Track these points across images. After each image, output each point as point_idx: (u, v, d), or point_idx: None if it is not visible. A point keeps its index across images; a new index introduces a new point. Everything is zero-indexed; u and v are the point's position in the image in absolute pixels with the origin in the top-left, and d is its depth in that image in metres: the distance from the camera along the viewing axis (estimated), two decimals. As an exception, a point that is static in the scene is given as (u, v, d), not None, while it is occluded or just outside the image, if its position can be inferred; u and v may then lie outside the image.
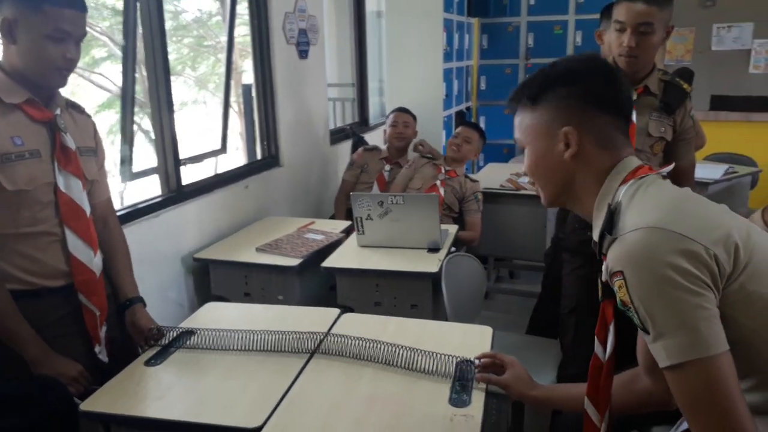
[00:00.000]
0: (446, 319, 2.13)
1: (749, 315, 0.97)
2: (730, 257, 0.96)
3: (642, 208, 1.03)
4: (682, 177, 2.19)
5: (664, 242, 0.95)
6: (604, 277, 1.08)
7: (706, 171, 3.53)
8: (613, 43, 2.04)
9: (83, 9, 1.52)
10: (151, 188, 2.74)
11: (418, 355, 1.54)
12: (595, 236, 1.10)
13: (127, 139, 2.53)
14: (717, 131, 4.30)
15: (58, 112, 1.60)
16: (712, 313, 0.94)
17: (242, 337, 1.66)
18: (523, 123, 1.18)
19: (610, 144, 1.12)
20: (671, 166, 1.18)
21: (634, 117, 2.04)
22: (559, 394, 1.38)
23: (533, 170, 1.19)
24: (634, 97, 2.06)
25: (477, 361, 1.47)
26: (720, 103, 5.20)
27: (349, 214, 3.35)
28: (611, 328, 1.13)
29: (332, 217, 3.56)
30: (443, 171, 3.20)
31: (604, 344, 1.15)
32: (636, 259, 0.97)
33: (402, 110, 3.64)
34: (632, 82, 2.07)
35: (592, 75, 1.13)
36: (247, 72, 7.31)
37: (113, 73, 8.19)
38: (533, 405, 1.43)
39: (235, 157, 4.86)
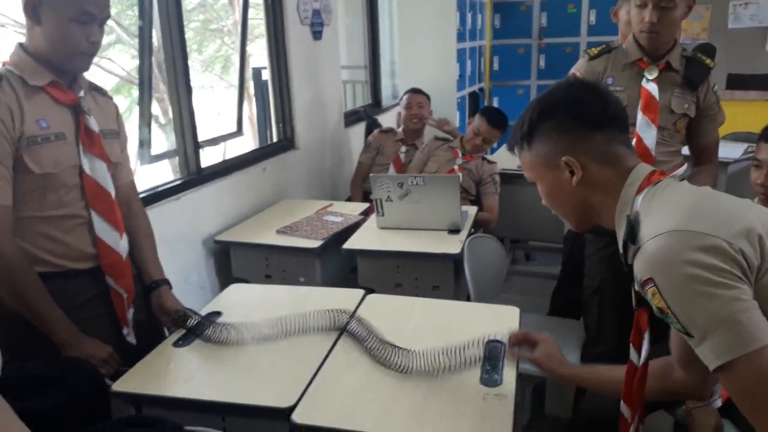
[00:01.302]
0: (468, 300, 2.13)
1: None
2: (756, 250, 0.95)
3: (660, 214, 1.03)
4: (705, 154, 2.17)
5: (687, 242, 0.95)
6: (636, 288, 1.08)
7: (725, 150, 3.45)
8: (634, 20, 2.01)
9: None
10: (162, 173, 2.74)
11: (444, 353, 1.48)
12: (620, 248, 1.11)
13: (146, 122, 2.52)
14: (734, 110, 4.24)
15: (81, 94, 1.59)
16: (751, 305, 0.93)
17: (272, 322, 1.63)
18: (525, 162, 1.23)
19: (613, 159, 1.14)
20: (683, 168, 1.18)
21: (656, 93, 2.02)
22: (588, 375, 1.38)
23: (549, 202, 1.24)
24: (656, 74, 2.03)
25: (506, 341, 1.47)
26: (737, 82, 5.14)
27: (365, 197, 3.35)
28: (646, 336, 1.14)
29: (348, 200, 3.55)
30: (460, 155, 3.16)
31: (639, 350, 1.16)
32: (662, 265, 0.97)
33: (416, 91, 3.60)
34: (654, 59, 2.04)
35: (572, 102, 1.16)
36: (253, 55, 7.29)
37: (121, 58, 8.18)
38: (563, 381, 1.42)
39: (246, 142, 4.86)
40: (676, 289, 0.95)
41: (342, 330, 1.63)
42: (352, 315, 1.69)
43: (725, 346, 0.92)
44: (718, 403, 1.55)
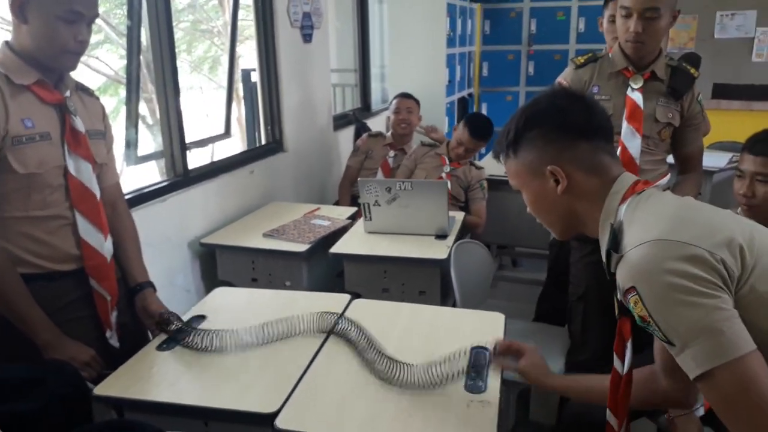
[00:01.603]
0: (454, 306, 2.13)
1: (763, 316, 0.97)
2: (737, 260, 0.96)
3: (643, 223, 1.04)
4: (690, 163, 2.19)
5: (669, 252, 0.96)
6: (618, 296, 1.08)
7: (711, 160, 3.52)
8: (619, 29, 2.03)
9: None
10: (149, 174, 2.72)
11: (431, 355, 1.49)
12: (603, 256, 1.12)
13: (133, 122, 2.51)
14: (719, 120, 4.28)
15: (67, 94, 1.58)
16: (731, 314, 0.94)
17: (256, 329, 1.62)
18: (510, 170, 1.24)
19: (598, 168, 1.15)
20: (667, 178, 1.19)
21: (641, 102, 2.04)
22: (574, 384, 1.38)
23: (534, 210, 1.24)
24: (640, 83, 2.05)
25: (492, 348, 1.47)
26: (722, 92, 5.19)
27: (353, 201, 3.34)
28: (629, 344, 1.14)
29: (336, 203, 3.55)
30: (447, 162, 3.14)
31: (622, 359, 1.17)
32: (644, 273, 0.98)
33: (405, 96, 3.59)
34: (639, 68, 2.06)
35: (557, 111, 1.17)
36: (243, 57, 7.27)
37: (109, 57, 8.12)
38: (549, 392, 1.43)
39: (234, 143, 4.84)
40: (658, 298, 0.96)
41: (329, 332, 1.63)
42: (340, 316, 1.68)
43: (706, 355, 0.93)
44: (701, 411, 1.56)
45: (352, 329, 1.61)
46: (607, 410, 1.22)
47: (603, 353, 1.46)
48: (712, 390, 0.95)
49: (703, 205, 1.10)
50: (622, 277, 1.03)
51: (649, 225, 1.02)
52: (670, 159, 2.21)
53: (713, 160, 3.56)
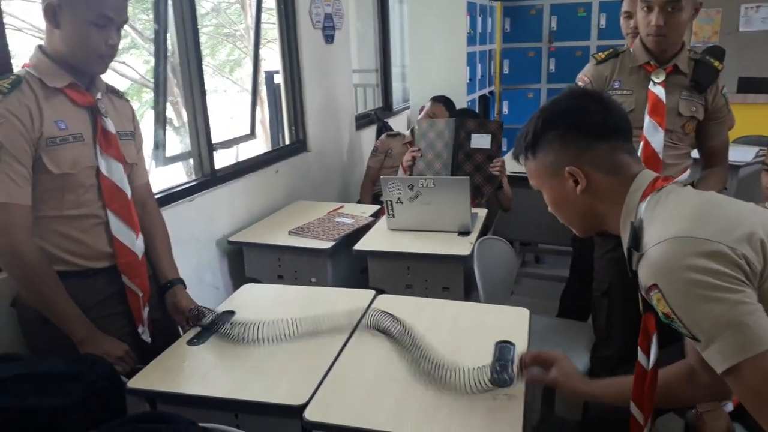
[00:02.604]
0: (478, 302, 2.14)
1: None
2: (759, 254, 0.96)
3: (663, 220, 1.04)
4: (715, 157, 2.17)
5: (690, 248, 0.96)
6: (642, 293, 1.09)
7: (737, 154, 3.48)
8: (640, 23, 2.02)
9: None
10: (175, 175, 2.78)
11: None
12: (625, 254, 1.12)
13: (161, 124, 2.56)
14: (745, 113, 4.23)
15: (99, 96, 1.62)
16: (756, 307, 0.94)
17: (284, 324, 1.64)
18: (530, 171, 1.25)
19: (616, 167, 1.15)
20: (687, 173, 1.18)
21: (663, 97, 2.02)
22: (611, 389, 1.33)
23: (555, 210, 1.26)
24: (663, 77, 2.03)
25: (519, 361, 1.41)
26: (748, 85, 5.11)
27: (375, 200, 3.37)
28: (654, 339, 1.14)
29: (359, 202, 3.57)
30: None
31: (647, 354, 1.16)
32: (666, 271, 0.98)
33: (442, 102, 3.55)
34: (661, 62, 2.05)
35: (574, 112, 1.18)
36: (266, 60, 7.36)
37: (135, 62, 8.27)
38: (586, 400, 1.40)
39: (258, 145, 4.90)
40: (681, 295, 0.97)
41: (357, 324, 1.65)
42: (368, 308, 1.70)
43: (732, 349, 0.93)
44: (729, 407, 1.55)
45: (386, 319, 1.63)
46: (632, 404, 1.21)
47: (628, 348, 1.45)
48: (740, 384, 0.95)
49: (723, 200, 1.10)
50: (644, 275, 1.04)
51: (669, 222, 1.03)
52: (695, 153, 2.20)
53: (739, 155, 3.52)
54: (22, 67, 1.55)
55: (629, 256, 1.10)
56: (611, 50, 2.19)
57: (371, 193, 3.53)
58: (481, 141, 2.77)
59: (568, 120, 1.18)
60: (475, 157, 2.77)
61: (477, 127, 2.78)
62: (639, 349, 1.19)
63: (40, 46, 1.56)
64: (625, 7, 2.75)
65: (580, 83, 2.20)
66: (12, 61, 1.82)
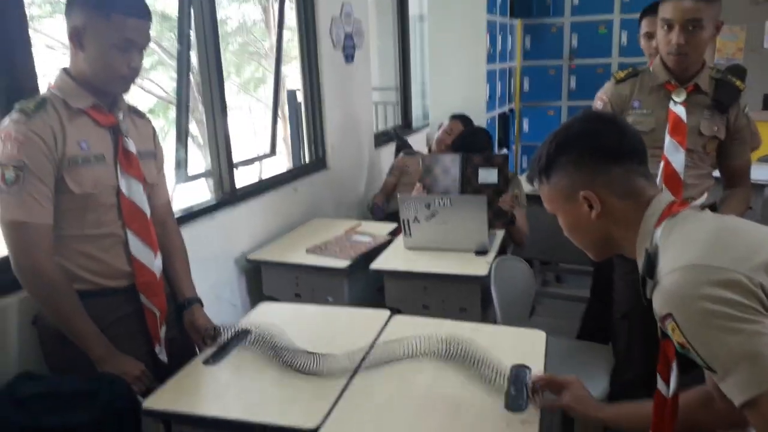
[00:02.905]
0: (495, 323, 2.12)
1: None
2: None
3: (678, 248, 1.02)
4: (737, 177, 2.14)
5: (704, 277, 0.94)
6: (657, 321, 1.06)
7: (761, 172, 3.42)
8: (661, 42, 2.00)
9: (148, 18, 1.57)
10: (200, 191, 2.81)
11: (472, 359, 1.54)
12: (640, 281, 1.10)
13: (183, 142, 2.60)
14: (770, 132, 4.16)
15: (121, 116, 1.65)
16: None
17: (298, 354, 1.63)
18: (544, 195, 1.24)
19: (632, 192, 1.14)
20: (703, 198, 1.16)
21: (684, 116, 2.00)
22: (626, 414, 1.32)
23: (570, 234, 1.24)
24: (683, 96, 2.01)
25: (531, 386, 1.42)
26: (773, 103, 5.05)
27: (390, 217, 3.37)
28: (674, 366, 1.12)
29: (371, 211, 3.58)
30: None
31: (667, 381, 1.14)
32: (680, 300, 0.96)
33: (460, 119, 3.54)
34: (682, 81, 2.03)
35: (588, 136, 1.17)
36: (289, 77, 7.44)
37: (161, 79, 8.43)
38: (598, 424, 1.38)
39: (280, 162, 4.95)
40: (696, 325, 0.95)
41: (367, 352, 1.64)
42: (374, 342, 1.70)
43: (750, 381, 0.91)
44: (752, 432, 1.51)
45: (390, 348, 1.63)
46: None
47: (649, 373, 1.43)
48: (759, 417, 0.92)
49: (742, 225, 1.07)
50: (658, 303, 1.02)
51: (684, 249, 1.01)
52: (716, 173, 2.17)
53: (765, 174, 3.46)
54: (47, 89, 1.58)
55: (643, 283, 1.08)
56: (631, 69, 2.17)
57: (380, 204, 3.57)
58: (488, 176, 2.74)
59: (582, 144, 1.16)
60: (484, 192, 2.67)
61: (483, 161, 2.74)
62: (659, 376, 1.16)
63: (64, 69, 1.59)
64: (644, 29, 2.73)
65: (599, 102, 2.19)
66: (43, 78, 1.86)
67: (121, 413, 1.42)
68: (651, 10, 2.63)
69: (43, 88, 1.62)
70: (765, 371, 0.90)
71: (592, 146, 1.16)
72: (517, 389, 1.44)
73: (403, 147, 4.17)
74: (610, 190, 1.14)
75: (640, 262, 1.11)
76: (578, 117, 1.24)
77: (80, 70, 1.56)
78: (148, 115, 1.84)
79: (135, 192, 1.65)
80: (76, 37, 1.52)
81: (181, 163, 2.58)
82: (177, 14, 2.56)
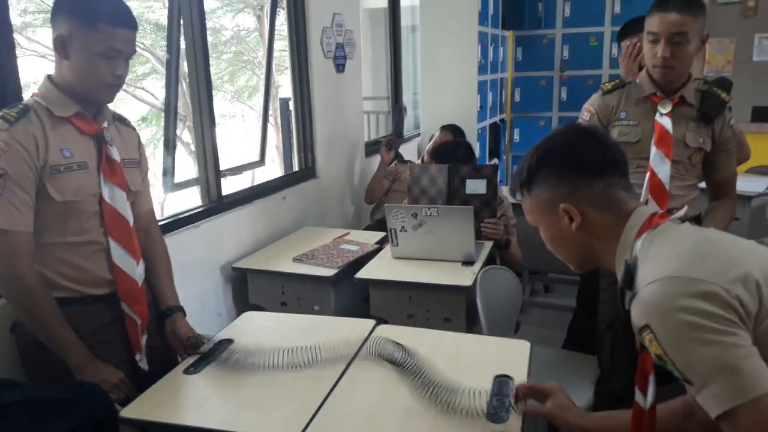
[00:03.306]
0: (481, 334, 2.12)
1: None
2: (754, 297, 0.94)
3: (657, 259, 1.03)
4: (722, 189, 2.15)
5: (682, 289, 0.95)
6: (635, 332, 1.07)
7: (749, 184, 3.44)
8: (647, 55, 2.02)
9: (134, 27, 1.57)
10: (188, 199, 2.80)
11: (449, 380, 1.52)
12: (618, 293, 1.11)
13: (170, 150, 2.59)
14: (759, 143, 4.18)
15: (105, 125, 1.65)
16: (750, 350, 0.92)
17: (278, 355, 1.64)
18: (526, 208, 1.26)
19: (612, 204, 1.15)
20: (683, 211, 1.17)
21: (670, 127, 2.01)
22: (608, 423, 1.32)
23: (551, 246, 1.26)
24: (669, 108, 2.03)
25: (514, 393, 1.41)
26: (762, 115, 5.08)
27: (380, 226, 3.37)
28: (651, 378, 1.12)
29: (367, 228, 3.57)
30: None
31: (645, 393, 1.14)
32: (657, 312, 0.97)
33: (450, 129, 3.55)
34: (668, 93, 2.05)
35: (569, 149, 1.18)
36: (283, 86, 7.47)
37: (154, 87, 8.44)
38: None
39: (272, 170, 4.95)
40: (673, 337, 0.95)
41: (349, 363, 1.64)
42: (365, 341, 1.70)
43: (726, 394, 0.91)
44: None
45: (389, 346, 1.64)
46: None
47: (633, 383, 1.43)
48: (735, 429, 0.92)
49: (721, 238, 1.08)
50: (636, 315, 1.02)
51: (662, 261, 1.01)
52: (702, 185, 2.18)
53: (752, 185, 3.48)
54: (32, 97, 1.58)
55: (622, 295, 1.09)
56: (618, 81, 2.19)
57: (373, 197, 3.62)
58: (476, 186, 2.70)
59: (563, 157, 1.17)
60: (471, 203, 2.64)
61: (471, 172, 2.72)
62: (636, 387, 1.16)
63: (49, 76, 1.59)
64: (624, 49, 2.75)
65: (586, 114, 2.20)
66: (34, 87, 1.86)
67: (99, 422, 1.41)
68: (630, 30, 2.66)
69: (28, 96, 1.61)
70: (741, 384, 0.90)
71: (574, 159, 1.16)
72: (500, 400, 1.45)
73: (393, 142, 4.16)
74: (591, 203, 1.14)
75: (620, 275, 1.11)
76: (560, 130, 1.26)
77: (65, 78, 1.56)
78: (139, 124, 1.85)
79: (118, 199, 1.64)
80: (61, 46, 1.52)
81: (168, 172, 2.58)
82: (167, 24, 2.57)
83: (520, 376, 1.55)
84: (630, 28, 2.68)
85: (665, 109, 2.04)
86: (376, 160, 4.23)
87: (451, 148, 2.98)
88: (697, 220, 2.16)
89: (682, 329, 0.93)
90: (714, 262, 0.98)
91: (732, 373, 0.90)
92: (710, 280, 0.94)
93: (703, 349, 0.92)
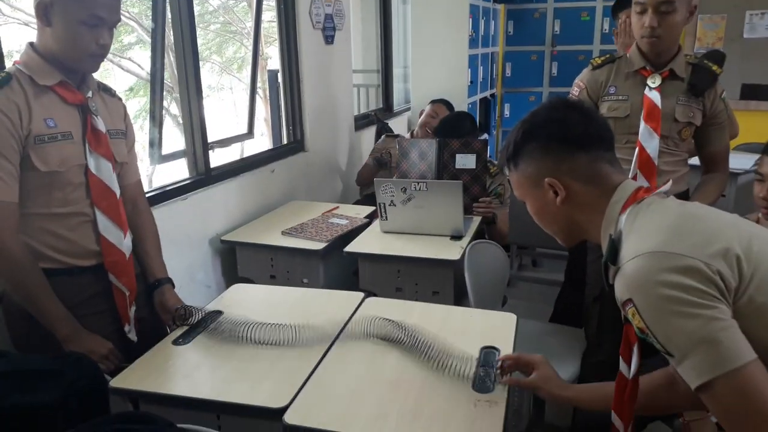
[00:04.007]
0: (469, 307, 2.14)
1: (763, 326, 0.96)
2: (734, 271, 0.96)
3: (640, 234, 1.04)
4: (714, 163, 2.15)
5: (663, 264, 0.96)
6: (618, 306, 1.08)
7: (736, 161, 3.42)
8: (634, 26, 2.01)
9: None
10: (179, 172, 2.78)
11: (442, 341, 1.56)
12: (602, 267, 1.12)
13: (156, 122, 2.56)
14: (748, 121, 4.19)
15: (89, 94, 1.62)
16: (730, 323, 0.93)
17: (267, 329, 1.65)
18: (513, 182, 1.27)
19: (597, 178, 1.15)
20: (668, 185, 1.17)
21: (659, 102, 2.00)
22: (591, 394, 1.36)
23: (538, 220, 1.26)
24: (658, 82, 2.02)
25: (499, 365, 1.44)
26: (751, 92, 5.09)
27: (370, 200, 3.37)
28: (635, 349, 1.13)
29: (357, 203, 3.57)
30: None
31: (628, 363, 1.16)
32: (639, 286, 0.98)
33: (443, 103, 3.53)
34: (657, 66, 2.04)
35: (554, 123, 1.18)
36: (272, 58, 7.36)
37: (141, 58, 8.30)
38: (564, 404, 1.41)
39: (261, 143, 4.91)
40: (654, 310, 0.96)
41: (337, 335, 1.65)
42: (349, 320, 1.71)
43: (705, 365, 0.92)
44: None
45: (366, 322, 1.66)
46: (612, 413, 1.21)
47: (618, 355, 1.44)
48: (714, 400, 0.94)
49: (704, 212, 1.09)
50: (619, 289, 1.03)
51: (645, 236, 1.02)
52: (693, 160, 2.18)
53: (739, 162, 3.49)
54: (13, 65, 1.55)
55: (605, 269, 1.10)
56: (608, 56, 2.18)
57: (363, 181, 3.60)
58: (466, 161, 2.71)
59: (548, 131, 1.18)
60: (461, 178, 2.65)
61: (461, 146, 2.72)
62: (621, 358, 1.18)
63: (31, 44, 1.56)
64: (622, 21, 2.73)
65: (575, 89, 2.19)
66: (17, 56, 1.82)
67: (86, 392, 1.41)
68: (626, 3, 2.64)
69: (9, 64, 1.58)
70: (720, 356, 0.91)
71: (559, 133, 1.17)
72: (486, 371, 1.47)
73: (383, 130, 4.16)
74: (575, 176, 1.15)
75: (605, 249, 1.12)
76: (545, 104, 1.25)
77: (47, 46, 1.53)
78: (127, 95, 1.82)
79: (104, 170, 1.62)
80: (44, 12, 1.49)
81: (155, 144, 2.55)
82: (152, -9, 2.52)
83: (506, 347, 1.57)
84: (625, 1, 2.66)
85: (654, 83, 2.03)
86: (366, 133, 4.22)
87: (458, 118, 2.99)
88: (684, 195, 2.17)
89: (663, 303, 0.95)
90: (695, 236, 0.99)
91: (711, 345, 0.92)
92: (692, 255, 0.95)
93: (684, 321, 0.93)
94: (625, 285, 1.01)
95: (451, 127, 2.89)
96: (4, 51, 1.83)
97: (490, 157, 3.39)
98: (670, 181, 1.24)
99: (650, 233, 1.02)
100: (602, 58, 2.17)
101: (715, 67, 2.07)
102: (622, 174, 1.18)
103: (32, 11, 1.54)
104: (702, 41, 5.17)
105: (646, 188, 1.13)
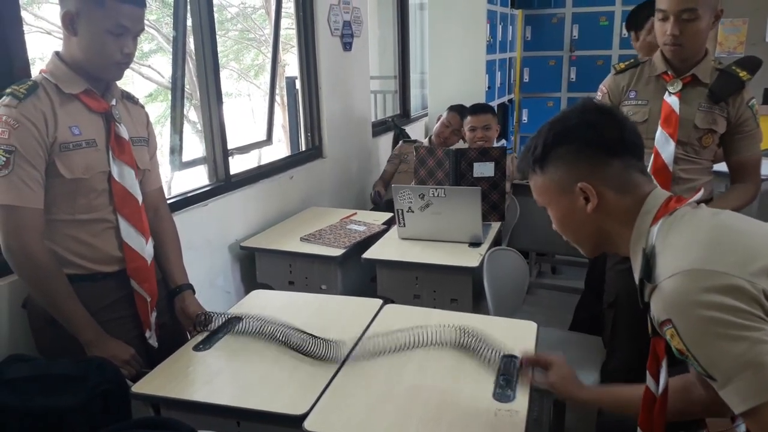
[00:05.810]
0: (487, 314, 2.12)
1: None
2: None
3: (676, 249, 0.99)
4: (741, 172, 2.07)
5: (704, 283, 0.92)
6: (654, 325, 1.04)
7: (762, 167, 3.40)
8: (657, 33, 1.98)
9: (142, 5, 1.56)
10: (197, 179, 2.81)
11: (466, 337, 1.58)
12: (637, 283, 1.07)
13: (177, 129, 2.59)
14: (770, 126, 4.15)
15: (113, 102, 1.65)
16: None
17: (286, 336, 1.65)
18: (537, 187, 1.20)
19: (629, 186, 1.11)
20: (700, 194, 1.13)
21: (677, 107, 1.96)
22: (607, 396, 1.34)
23: (562, 228, 1.20)
24: (678, 87, 1.98)
25: (519, 362, 1.44)
26: (775, 97, 5.02)
27: (388, 207, 3.37)
28: (663, 364, 1.10)
29: (374, 205, 3.57)
30: None
31: (656, 379, 1.12)
32: (679, 307, 0.94)
33: (457, 110, 3.50)
34: (680, 72, 2.00)
35: (588, 127, 1.13)
36: (290, 65, 7.41)
37: (160, 64, 8.40)
38: (580, 405, 1.39)
39: (279, 149, 4.94)
40: (696, 332, 0.92)
41: (356, 343, 1.65)
42: (364, 331, 1.71)
43: (751, 391, 0.88)
44: (743, 428, 1.51)
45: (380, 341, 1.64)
46: (638, 429, 1.17)
47: (634, 363, 1.42)
48: (760, 426, 0.90)
49: (740, 224, 1.04)
50: (657, 309, 0.99)
51: (682, 252, 0.98)
52: (721, 167, 2.14)
53: (763, 168, 3.43)
54: (40, 73, 1.58)
55: (641, 287, 1.05)
56: (632, 60, 2.15)
57: (381, 192, 3.57)
58: (484, 169, 2.70)
59: (582, 134, 1.12)
60: (480, 185, 2.63)
61: (479, 155, 2.70)
62: (647, 372, 1.14)
63: (57, 53, 1.59)
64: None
65: (599, 94, 2.18)
66: (40, 63, 1.85)
67: (109, 397, 1.42)
68: (640, 19, 2.62)
69: (36, 73, 1.61)
70: (767, 381, 0.88)
71: (594, 137, 1.12)
72: (506, 379, 1.46)
73: (400, 136, 4.16)
74: (608, 183, 1.10)
75: (635, 261, 1.08)
76: (576, 108, 1.20)
77: (73, 55, 1.55)
78: (146, 101, 1.84)
79: (127, 177, 1.64)
80: (70, 22, 1.51)
81: (176, 150, 2.57)
82: (173, 0, 2.55)
83: (527, 357, 1.55)
84: (640, 16, 2.64)
85: (674, 88, 1.99)
86: (383, 140, 4.23)
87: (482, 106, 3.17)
88: (706, 203, 2.13)
89: (706, 325, 0.90)
90: (736, 252, 0.95)
91: (758, 369, 0.88)
92: (734, 273, 0.91)
93: (728, 345, 0.89)
94: (663, 305, 0.97)
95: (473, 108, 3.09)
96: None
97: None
98: (702, 190, 1.20)
99: (687, 248, 0.98)
100: (626, 63, 2.15)
101: (742, 74, 1.99)
102: (652, 183, 1.14)
103: (55, 20, 1.57)
104: (723, 45, 5.12)
105: (677, 198, 1.09)
